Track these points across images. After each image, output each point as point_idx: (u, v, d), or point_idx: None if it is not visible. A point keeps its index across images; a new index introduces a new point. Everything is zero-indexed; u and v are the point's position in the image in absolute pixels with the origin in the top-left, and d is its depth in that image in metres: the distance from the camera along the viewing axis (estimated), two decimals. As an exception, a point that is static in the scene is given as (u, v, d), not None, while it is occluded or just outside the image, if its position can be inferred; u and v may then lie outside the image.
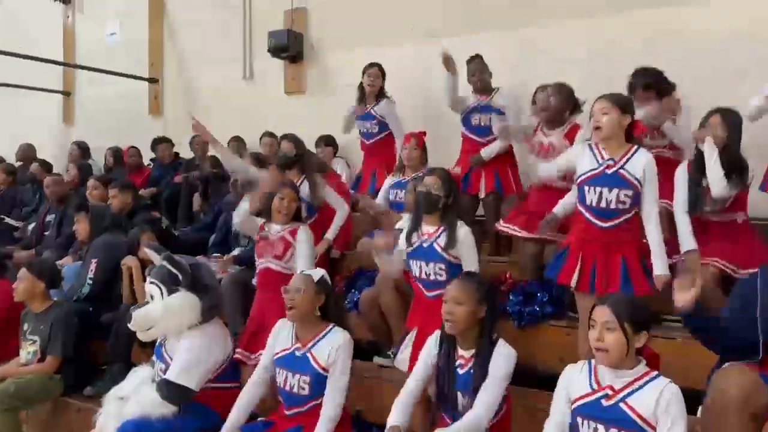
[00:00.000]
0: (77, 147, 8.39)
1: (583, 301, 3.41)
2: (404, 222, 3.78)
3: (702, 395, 2.65)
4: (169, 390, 3.45)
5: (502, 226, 4.31)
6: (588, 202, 3.44)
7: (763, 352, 2.60)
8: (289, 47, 7.43)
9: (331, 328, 3.32)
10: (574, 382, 2.60)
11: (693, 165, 3.78)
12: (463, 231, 3.54)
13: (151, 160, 8.01)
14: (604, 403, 2.49)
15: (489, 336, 2.94)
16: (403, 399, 2.99)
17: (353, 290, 4.54)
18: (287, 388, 3.29)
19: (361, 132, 6.06)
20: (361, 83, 5.95)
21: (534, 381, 3.48)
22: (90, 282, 4.84)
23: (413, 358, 3.27)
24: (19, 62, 8.40)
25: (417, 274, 3.63)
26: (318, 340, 3.29)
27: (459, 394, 2.93)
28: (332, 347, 3.23)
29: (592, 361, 2.60)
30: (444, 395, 2.98)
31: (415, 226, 3.64)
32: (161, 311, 3.51)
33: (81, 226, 5.31)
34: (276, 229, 4.16)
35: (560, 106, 4.33)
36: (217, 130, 7.62)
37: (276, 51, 7.50)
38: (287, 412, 3.31)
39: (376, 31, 6.93)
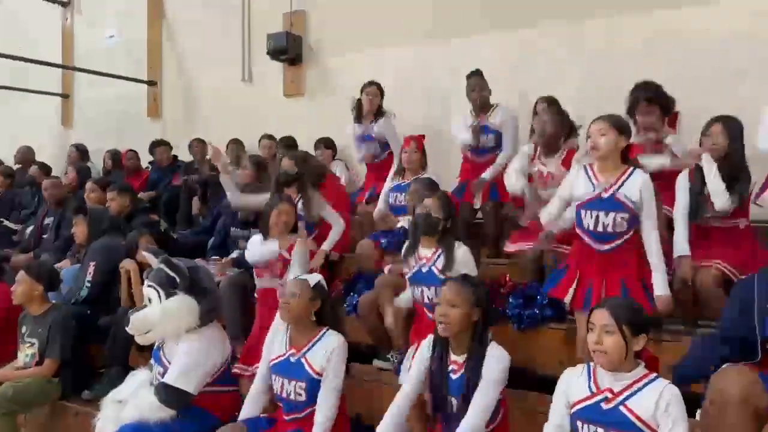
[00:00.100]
0: (76, 149, 8.38)
1: (579, 317, 3.41)
2: (403, 222, 3.77)
3: (701, 398, 2.63)
4: (167, 393, 3.43)
5: (510, 248, 4.32)
6: (585, 225, 3.46)
7: (762, 352, 2.60)
8: (288, 50, 7.42)
9: (325, 332, 3.31)
10: (573, 386, 2.60)
11: (694, 174, 3.80)
12: (462, 251, 3.53)
13: (150, 163, 7.99)
14: (604, 406, 2.48)
15: (481, 340, 2.93)
16: (394, 410, 2.97)
17: (352, 293, 4.52)
18: (284, 394, 3.28)
19: (364, 151, 6.10)
20: (359, 100, 5.97)
21: (533, 384, 3.47)
22: (88, 285, 4.82)
23: None
24: (19, 64, 8.41)
25: (419, 299, 3.62)
26: (312, 345, 3.28)
27: (453, 399, 2.91)
28: (326, 350, 3.23)
29: (591, 364, 2.59)
30: (437, 400, 2.97)
31: (412, 248, 3.63)
32: (159, 315, 3.50)
33: (79, 229, 5.30)
34: (274, 246, 4.14)
35: (556, 133, 4.32)
36: (216, 133, 7.67)
37: (275, 53, 7.50)
38: (286, 417, 3.31)
39: (375, 33, 6.93)
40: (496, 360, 2.87)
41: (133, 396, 3.57)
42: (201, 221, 6.49)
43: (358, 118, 6.00)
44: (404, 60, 6.77)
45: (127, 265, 4.63)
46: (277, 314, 3.61)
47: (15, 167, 8.52)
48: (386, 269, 4.33)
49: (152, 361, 3.73)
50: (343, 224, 4.83)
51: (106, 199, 5.76)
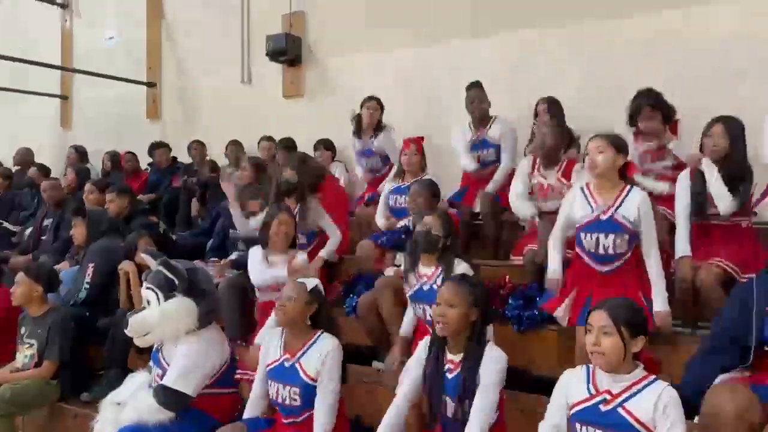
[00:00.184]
0: (75, 151, 8.38)
1: (579, 331, 3.40)
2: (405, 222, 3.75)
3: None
4: (166, 396, 3.42)
5: (515, 259, 4.35)
6: (585, 247, 3.50)
7: (755, 357, 2.60)
8: (287, 51, 7.43)
9: (319, 335, 3.31)
10: (572, 387, 2.59)
11: (695, 175, 3.82)
12: (462, 267, 3.53)
13: (149, 164, 7.99)
14: (602, 408, 2.48)
15: (479, 340, 2.91)
16: (392, 411, 2.96)
17: (351, 295, 4.51)
18: (280, 399, 3.28)
19: (366, 166, 6.14)
20: (359, 114, 5.98)
21: (533, 385, 3.45)
22: (87, 287, 4.81)
23: None
24: (18, 65, 8.41)
25: (422, 316, 3.62)
26: (307, 349, 3.27)
27: (448, 399, 2.89)
28: (321, 353, 3.22)
29: (590, 366, 2.58)
30: (433, 400, 2.95)
31: (412, 266, 3.63)
32: (158, 317, 3.49)
33: (78, 231, 5.28)
34: (277, 260, 4.12)
35: (556, 145, 4.35)
36: (215, 134, 7.69)
37: (274, 55, 7.50)
38: (284, 421, 3.30)
39: (374, 33, 6.93)
40: (493, 362, 2.85)
41: (132, 398, 3.55)
42: (200, 223, 6.48)
43: (358, 132, 6.02)
44: (404, 60, 6.77)
45: (126, 266, 4.61)
46: (270, 318, 3.61)
47: (14, 169, 8.52)
48: (386, 271, 4.33)
49: (151, 363, 3.71)
50: (340, 236, 4.83)
51: (104, 200, 5.75)
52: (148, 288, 3.57)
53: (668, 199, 4.12)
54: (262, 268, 4.12)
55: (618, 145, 3.46)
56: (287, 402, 3.24)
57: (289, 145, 6.76)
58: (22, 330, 4.56)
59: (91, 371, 4.70)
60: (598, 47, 5.73)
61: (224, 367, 3.65)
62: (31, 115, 10.08)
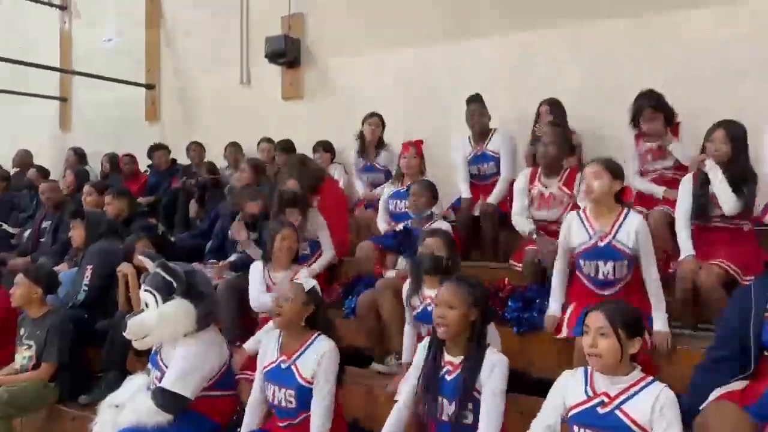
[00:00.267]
0: (74, 153, 8.38)
1: (577, 340, 3.40)
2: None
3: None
4: (164, 398, 3.40)
5: (515, 265, 4.35)
6: (585, 272, 3.55)
7: (755, 363, 2.59)
8: (287, 53, 7.42)
9: (316, 337, 3.29)
10: (569, 389, 2.59)
11: (698, 178, 3.83)
12: None
13: (148, 167, 7.98)
14: (600, 410, 2.48)
15: (479, 341, 2.90)
16: (394, 414, 2.97)
17: (351, 296, 4.50)
18: (276, 402, 3.26)
19: (368, 180, 6.15)
20: (361, 132, 5.98)
21: (532, 387, 3.43)
22: (85, 289, 4.80)
23: None
24: (17, 67, 8.40)
25: (426, 335, 3.60)
26: (303, 350, 3.26)
27: (445, 401, 2.87)
28: (317, 355, 3.20)
29: (588, 368, 2.58)
30: (428, 402, 2.93)
31: (416, 288, 3.61)
32: (156, 319, 3.47)
33: (76, 233, 5.27)
34: (279, 278, 4.11)
35: (558, 155, 4.37)
36: (214, 136, 7.68)
37: (273, 56, 7.49)
38: (280, 424, 3.28)
39: (374, 35, 6.92)
40: (498, 367, 2.82)
41: (131, 400, 3.53)
42: (198, 224, 6.47)
43: (362, 151, 6.05)
44: (404, 61, 6.76)
45: (124, 268, 4.60)
46: (267, 324, 3.60)
47: (13, 170, 8.51)
48: (387, 273, 4.32)
49: (149, 365, 3.70)
50: (334, 254, 4.83)
51: (103, 202, 5.75)
52: (146, 290, 3.56)
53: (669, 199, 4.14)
54: (261, 292, 4.11)
55: (614, 170, 3.49)
56: (283, 404, 3.23)
57: (287, 147, 6.77)
58: (21, 331, 4.56)
59: (90, 373, 4.68)
60: (598, 47, 5.73)
61: (223, 369, 3.64)
62: (30, 116, 10.08)
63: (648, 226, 3.52)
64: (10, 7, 10.30)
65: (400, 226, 4.70)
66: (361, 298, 4.17)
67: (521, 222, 4.33)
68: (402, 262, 4.34)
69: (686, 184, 3.87)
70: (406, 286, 3.68)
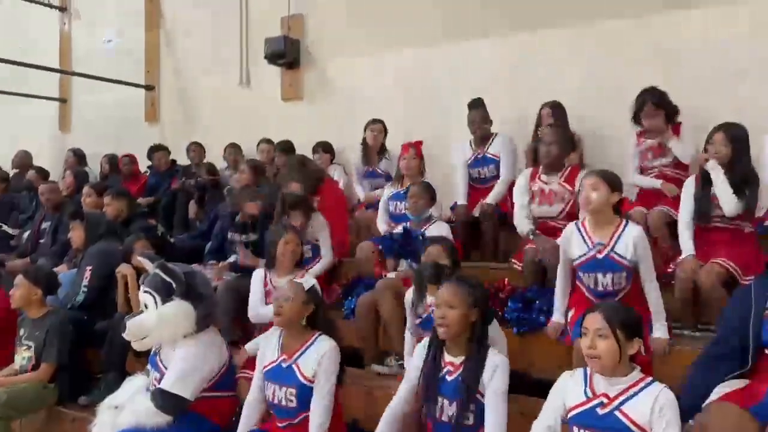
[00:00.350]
0: (73, 154, 8.38)
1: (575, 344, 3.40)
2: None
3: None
4: (163, 399, 3.39)
5: (515, 264, 4.35)
6: (585, 284, 3.56)
7: (753, 361, 2.59)
8: (286, 54, 7.41)
9: (317, 337, 3.29)
10: (569, 390, 2.59)
11: (700, 179, 3.84)
12: None
13: (148, 167, 7.97)
14: (600, 411, 2.48)
15: (480, 341, 2.89)
16: (388, 412, 2.97)
17: (350, 297, 4.49)
18: (275, 401, 3.26)
19: (370, 186, 6.16)
20: (364, 138, 6.00)
21: (532, 388, 3.43)
22: (85, 290, 4.80)
23: None
24: (17, 68, 8.40)
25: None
26: (304, 350, 3.26)
27: (445, 401, 2.87)
28: (318, 354, 3.21)
29: (588, 369, 2.58)
30: (427, 402, 2.93)
31: (420, 297, 3.60)
32: (155, 320, 3.46)
33: (76, 234, 5.27)
34: (281, 283, 4.09)
35: (561, 154, 4.40)
36: (214, 137, 7.68)
37: (272, 57, 7.48)
38: (279, 424, 3.28)
39: (374, 36, 6.92)
40: (500, 369, 2.82)
41: (130, 402, 3.52)
42: (198, 225, 6.46)
43: (365, 158, 6.10)
44: (404, 62, 6.75)
45: (123, 270, 4.60)
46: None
47: (12, 171, 8.51)
48: (386, 275, 4.31)
49: (149, 366, 3.69)
50: (332, 259, 4.83)
51: (101, 203, 5.75)
52: (145, 291, 3.54)
53: (669, 199, 4.13)
54: (260, 304, 4.11)
55: (612, 181, 3.49)
56: (283, 403, 3.22)
57: (287, 147, 6.77)
58: (21, 332, 4.55)
59: (89, 374, 4.68)
60: (598, 48, 5.73)
61: (222, 370, 3.62)
62: (30, 117, 10.07)
63: (647, 230, 3.56)
64: (10, 8, 10.29)
65: (399, 228, 4.70)
66: (361, 299, 4.17)
67: (521, 222, 4.34)
68: (402, 263, 4.34)
69: (689, 186, 3.89)
70: (409, 293, 3.66)
